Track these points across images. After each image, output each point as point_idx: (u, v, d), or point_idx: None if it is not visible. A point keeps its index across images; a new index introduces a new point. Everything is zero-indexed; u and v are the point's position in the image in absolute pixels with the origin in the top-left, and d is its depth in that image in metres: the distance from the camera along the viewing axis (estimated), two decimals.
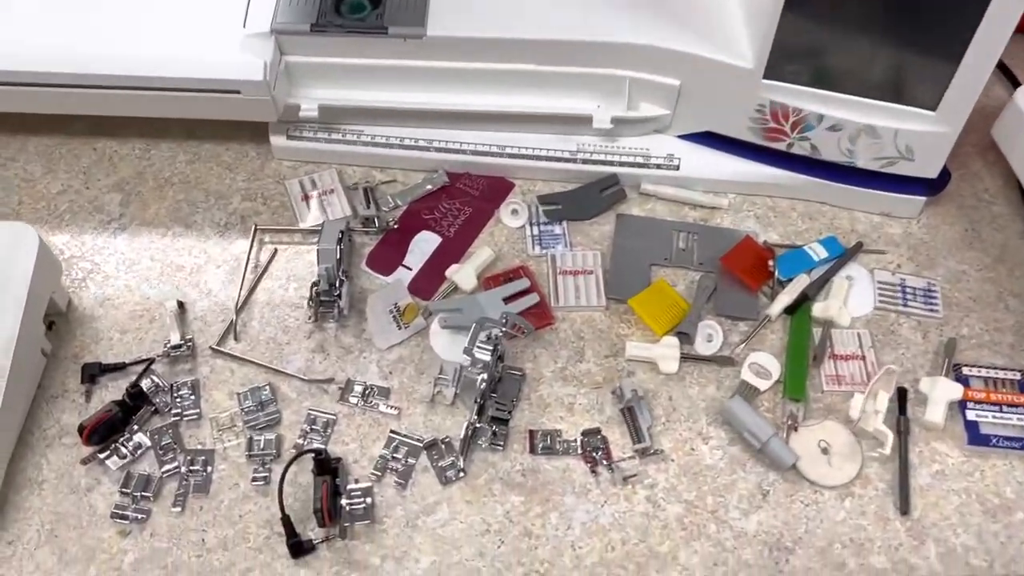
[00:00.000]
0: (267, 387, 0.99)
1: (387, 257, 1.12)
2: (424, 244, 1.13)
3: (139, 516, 0.91)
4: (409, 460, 0.97)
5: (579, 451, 0.98)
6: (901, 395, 1.01)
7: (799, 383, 1.02)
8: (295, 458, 0.94)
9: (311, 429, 0.99)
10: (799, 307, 1.07)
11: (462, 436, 0.97)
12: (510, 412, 1.00)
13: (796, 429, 0.99)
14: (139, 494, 0.92)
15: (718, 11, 1.09)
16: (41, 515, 0.93)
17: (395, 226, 1.14)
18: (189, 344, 1.01)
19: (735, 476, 0.97)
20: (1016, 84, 1.26)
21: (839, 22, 1.00)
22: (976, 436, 0.99)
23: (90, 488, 0.94)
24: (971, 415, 1.00)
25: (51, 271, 1.02)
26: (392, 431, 0.99)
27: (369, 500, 0.92)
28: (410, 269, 1.12)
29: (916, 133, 1.06)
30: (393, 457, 0.97)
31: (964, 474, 0.97)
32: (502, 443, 0.98)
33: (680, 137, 1.17)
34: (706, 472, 0.97)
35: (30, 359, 0.96)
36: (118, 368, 1.00)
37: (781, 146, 1.13)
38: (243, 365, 1.03)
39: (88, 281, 1.09)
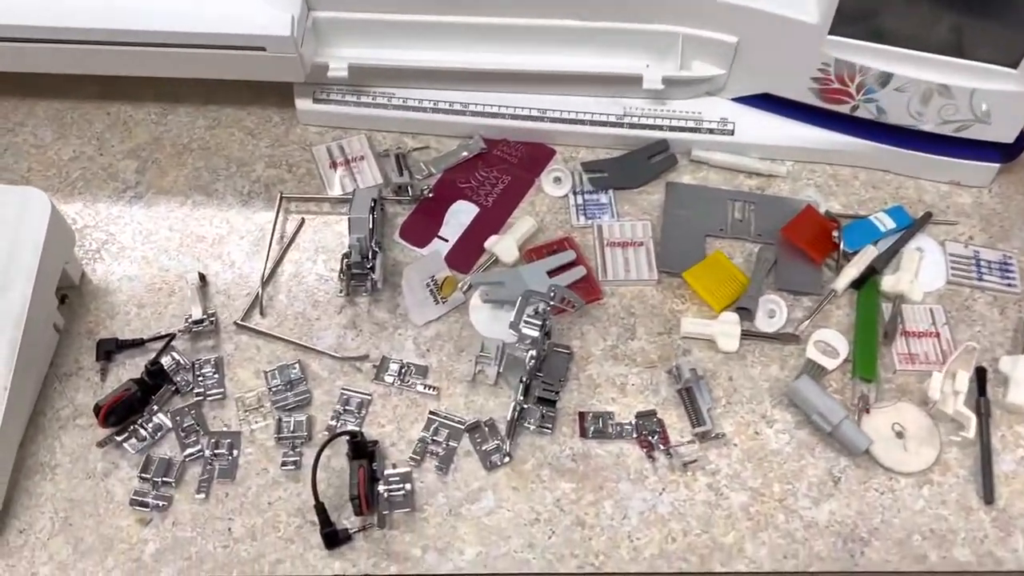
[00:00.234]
0: (296, 365, 0.94)
1: (422, 228, 1.05)
2: (460, 214, 1.07)
3: (160, 503, 0.87)
4: (450, 443, 0.90)
5: (634, 435, 0.91)
6: (980, 375, 0.94)
7: (870, 362, 0.95)
8: (329, 440, 0.88)
9: (344, 410, 0.92)
10: (866, 281, 1.00)
11: (508, 418, 0.90)
12: (558, 393, 0.93)
13: (868, 411, 0.92)
14: (160, 480, 0.88)
15: None
16: (55, 502, 0.87)
17: (430, 195, 1.07)
18: (212, 319, 0.96)
19: (803, 462, 0.90)
20: None
21: None
22: None
23: (107, 473, 0.89)
24: None
25: (64, 239, 0.96)
26: (431, 412, 0.92)
27: (408, 486, 0.86)
28: (446, 240, 1.05)
29: (994, 93, 0.98)
30: (433, 440, 0.91)
31: None
32: (550, 426, 0.91)
33: (734, 100, 1.10)
34: (772, 457, 0.90)
35: (42, 334, 0.92)
36: (136, 344, 0.95)
37: (844, 109, 1.05)
38: (270, 342, 0.97)
39: (103, 252, 1.03)
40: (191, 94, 1.14)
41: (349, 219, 0.98)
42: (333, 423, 0.91)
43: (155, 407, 0.91)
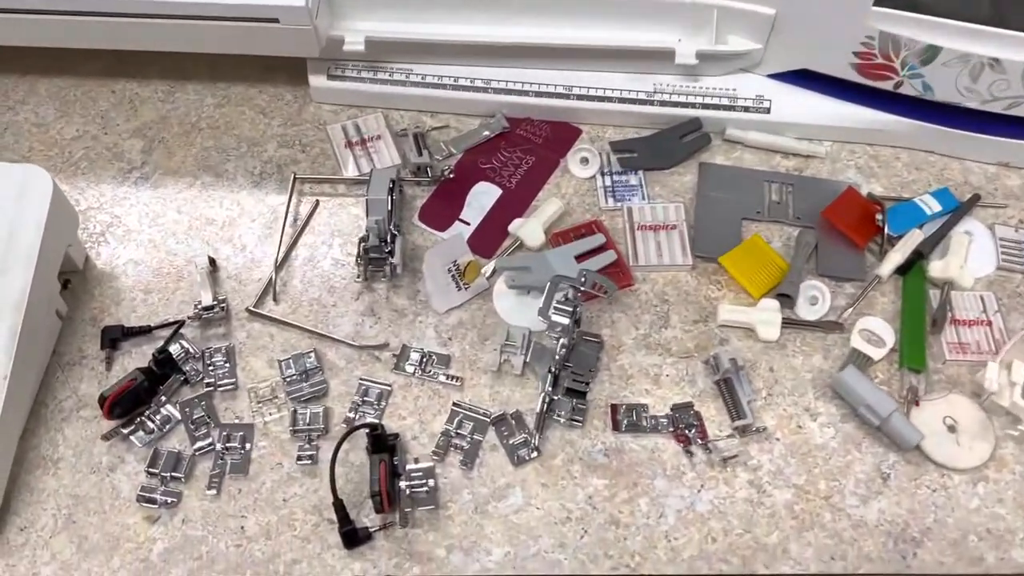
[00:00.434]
0: (312, 354, 0.90)
1: (442, 210, 1.01)
2: (483, 196, 1.02)
3: (169, 500, 0.83)
4: (475, 437, 0.86)
5: (669, 428, 0.86)
6: None
7: (919, 351, 0.89)
8: (348, 434, 0.83)
9: (363, 401, 0.88)
10: (912, 266, 0.95)
11: (537, 410, 0.85)
12: (588, 384, 0.88)
13: (917, 403, 0.87)
14: (168, 474, 0.84)
15: None
16: (57, 498, 0.83)
17: (450, 176, 1.02)
18: (222, 305, 0.92)
19: (850, 457, 0.85)
20: None
21: None
22: None
23: (112, 467, 0.85)
24: None
25: (67, 221, 0.92)
26: (455, 404, 0.88)
27: (432, 482, 0.81)
28: (467, 224, 1.00)
29: None
30: (457, 433, 0.86)
31: None
32: (581, 419, 0.86)
33: (771, 76, 1.05)
34: (816, 452, 0.85)
35: (43, 321, 0.88)
36: (143, 332, 0.92)
37: (887, 86, 1.00)
38: (284, 329, 0.92)
39: (107, 235, 0.99)
40: (199, 70, 1.10)
41: (366, 200, 0.94)
42: (351, 415, 0.87)
43: (163, 398, 0.87)
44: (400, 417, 0.87)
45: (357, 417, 0.87)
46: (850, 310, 0.93)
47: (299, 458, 0.84)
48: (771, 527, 0.82)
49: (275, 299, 0.94)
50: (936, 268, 0.94)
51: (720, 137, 1.04)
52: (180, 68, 1.10)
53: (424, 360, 0.90)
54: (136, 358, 0.90)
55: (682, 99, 1.04)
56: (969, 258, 0.95)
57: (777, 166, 1.03)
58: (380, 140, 1.05)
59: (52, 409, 0.88)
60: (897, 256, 0.94)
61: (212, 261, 0.95)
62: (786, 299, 0.92)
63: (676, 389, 0.89)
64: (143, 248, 0.97)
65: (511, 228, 0.98)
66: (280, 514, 0.82)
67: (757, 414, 0.87)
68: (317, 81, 1.06)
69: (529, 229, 0.97)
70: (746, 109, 1.03)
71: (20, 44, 1.03)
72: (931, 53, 0.94)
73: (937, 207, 0.98)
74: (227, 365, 0.89)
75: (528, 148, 1.04)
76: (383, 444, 0.83)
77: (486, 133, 1.05)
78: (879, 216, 0.97)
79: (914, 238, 0.96)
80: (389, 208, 0.94)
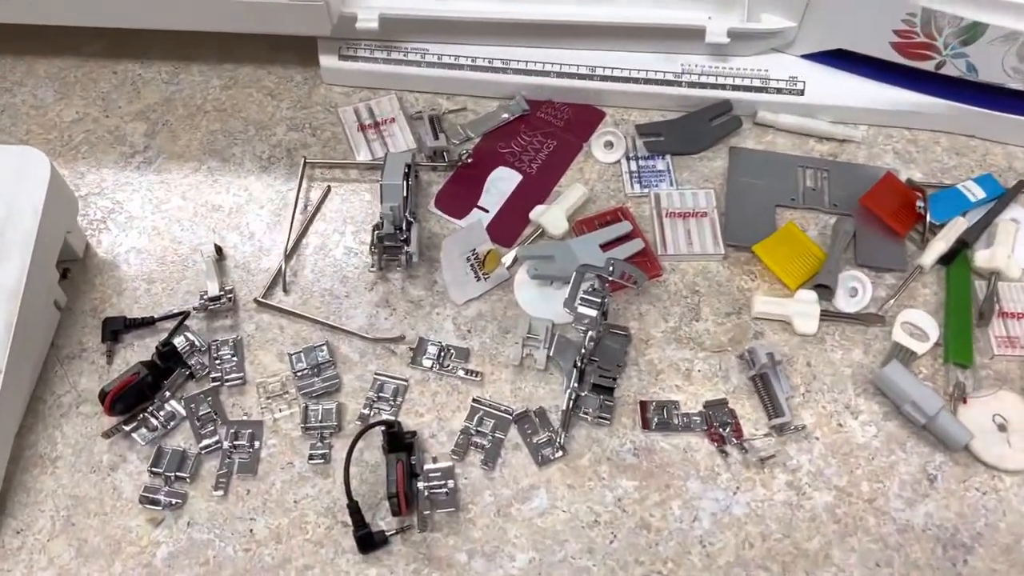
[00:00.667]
0: (324, 347, 0.86)
1: (459, 197, 0.96)
2: (501, 182, 0.97)
3: (173, 501, 0.79)
4: (497, 435, 0.81)
5: (703, 427, 0.82)
6: None
7: (965, 346, 0.85)
8: (363, 432, 0.79)
9: (378, 397, 0.84)
10: (956, 256, 0.91)
11: (563, 407, 0.80)
12: (615, 379, 0.83)
13: (965, 401, 0.82)
14: (173, 474, 0.80)
15: None
16: (56, 499, 0.79)
17: (468, 161, 0.97)
18: (229, 296, 0.89)
19: (894, 458, 0.80)
20: None
21: None
22: None
23: (114, 467, 0.81)
24: None
25: (66, 207, 0.88)
26: (475, 400, 0.83)
27: (451, 483, 0.77)
28: (486, 211, 0.95)
29: None
30: (477, 431, 0.82)
31: None
32: (608, 416, 0.81)
33: (805, 57, 1.00)
34: (858, 452, 0.80)
35: (41, 312, 0.85)
36: (145, 324, 0.88)
37: (928, 66, 0.95)
38: (294, 321, 0.88)
39: (109, 222, 0.95)
40: (205, 51, 1.07)
41: (381, 186, 0.90)
42: (366, 412, 0.83)
43: (167, 393, 0.84)
44: (417, 414, 0.83)
45: (372, 414, 0.83)
46: (891, 302, 0.88)
47: (311, 457, 0.80)
48: (812, 532, 0.77)
49: (285, 289, 0.90)
50: (982, 258, 0.90)
51: (751, 120, 1.00)
52: (185, 48, 1.07)
53: (442, 354, 0.85)
54: (139, 351, 0.86)
55: (711, 80, 1.00)
56: (1016, 247, 0.91)
57: (811, 151, 0.99)
58: (394, 123, 1.00)
59: (50, 405, 0.84)
60: (940, 245, 0.90)
61: (219, 249, 0.92)
62: (824, 290, 0.88)
63: (709, 385, 0.84)
64: (146, 236, 0.94)
65: (532, 215, 0.93)
66: (291, 516, 0.78)
67: (795, 412, 0.82)
68: (328, 61, 1.02)
69: (552, 216, 0.92)
70: (779, 91, 0.99)
71: (17, 22, 1.00)
72: (976, 31, 0.90)
73: (981, 194, 0.94)
74: (234, 359, 0.85)
75: (549, 132, 1.00)
76: (400, 443, 0.79)
77: (505, 116, 1.01)
78: (920, 203, 0.93)
79: (958, 226, 0.91)
80: (404, 194, 0.90)
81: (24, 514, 0.78)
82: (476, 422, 0.82)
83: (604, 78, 1.00)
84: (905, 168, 0.98)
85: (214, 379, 0.84)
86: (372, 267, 0.90)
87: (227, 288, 0.88)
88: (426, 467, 0.78)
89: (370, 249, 0.89)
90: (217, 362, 0.85)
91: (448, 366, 0.85)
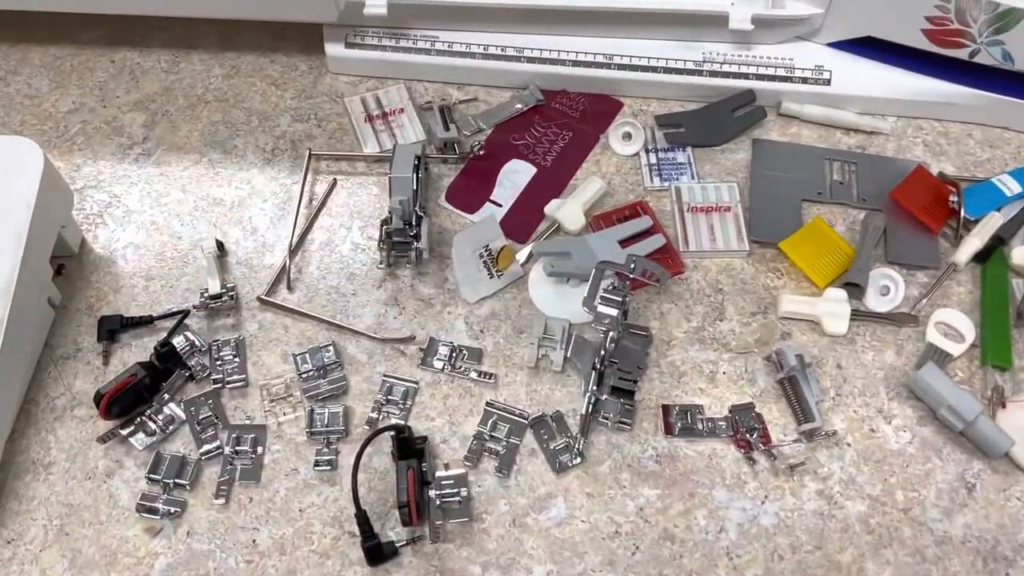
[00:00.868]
0: (330, 347, 0.83)
1: (471, 190, 0.93)
2: (515, 175, 0.94)
3: (172, 510, 0.77)
4: (511, 440, 0.78)
5: (728, 432, 0.78)
6: None
7: (1003, 347, 0.82)
8: (372, 437, 0.76)
9: (387, 400, 0.81)
10: (992, 253, 0.87)
11: (583, 412, 0.77)
12: (636, 382, 0.80)
13: (1004, 405, 0.79)
14: (172, 481, 0.78)
15: None
16: (48, 507, 0.77)
17: (480, 153, 0.94)
18: (231, 294, 0.86)
19: (930, 465, 0.77)
20: None
21: None
22: None
23: (110, 473, 0.78)
24: None
25: (60, 200, 0.86)
26: (488, 403, 0.80)
27: (464, 491, 0.74)
28: (499, 205, 0.92)
29: None
30: (491, 436, 0.78)
31: None
32: (629, 421, 0.78)
33: (831, 45, 0.97)
34: (892, 459, 0.77)
35: (34, 310, 0.82)
36: (144, 323, 0.86)
37: (961, 54, 0.92)
38: (299, 320, 0.85)
39: (105, 216, 0.92)
40: (206, 39, 1.05)
41: (389, 179, 0.87)
42: (374, 416, 0.80)
43: (166, 396, 0.81)
44: (428, 418, 0.79)
45: (381, 418, 0.80)
46: (924, 301, 0.85)
47: (317, 464, 0.77)
48: (844, 543, 0.73)
49: (289, 287, 0.87)
50: (1019, 255, 0.87)
51: (775, 111, 0.98)
52: (185, 36, 1.05)
53: (454, 355, 0.82)
54: (136, 351, 0.84)
55: (734, 69, 0.96)
56: None
57: (838, 143, 0.95)
58: (403, 114, 0.97)
59: (43, 408, 0.81)
60: (975, 241, 0.86)
61: (220, 245, 0.89)
62: (854, 289, 0.84)
63: (734, 388, 0.80)
64: (144, 231, 0.91)
65: (548, 210, 0.90)
66: (296, 526, 0.75)
67: (825, 416, 0.79)
68: (334, 50, 1.00)
69: (568, 211, 0.89)
70: (804, 80, 0.96)
71: (12, 8, 0.98)
72: (1012, 17, 0.87)
73: (1017, 188, 0.90)
74: (236, 360, 0.83)
75: (564, 123, 0.97)
76: (410, 448, 0.75)
77: (519, 106, 0.98)
78: (953, 198, 0.89)
79: (993, 222, 0.87)
80: (414, 187, 0.86)
81: (15, 523, 0.75)
82: (490, 427, 0.78)
83: (622, 67, 0.97)
84: (936, 161, 0.94)
85: (215, 381, 0.82)
86: (380, 264, 0.87)
87: (229, 285, 0.85)
88: (438, 474, 0.74)
89: (378, 245, 0.86)
90: (218, 363, 0.82)
91: (460, 368, 0.81)
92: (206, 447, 0.78)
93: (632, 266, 0.80)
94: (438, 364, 0.82)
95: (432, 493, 0.73)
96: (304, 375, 0.81)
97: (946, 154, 0.95)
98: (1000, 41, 0.88)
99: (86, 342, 0.84)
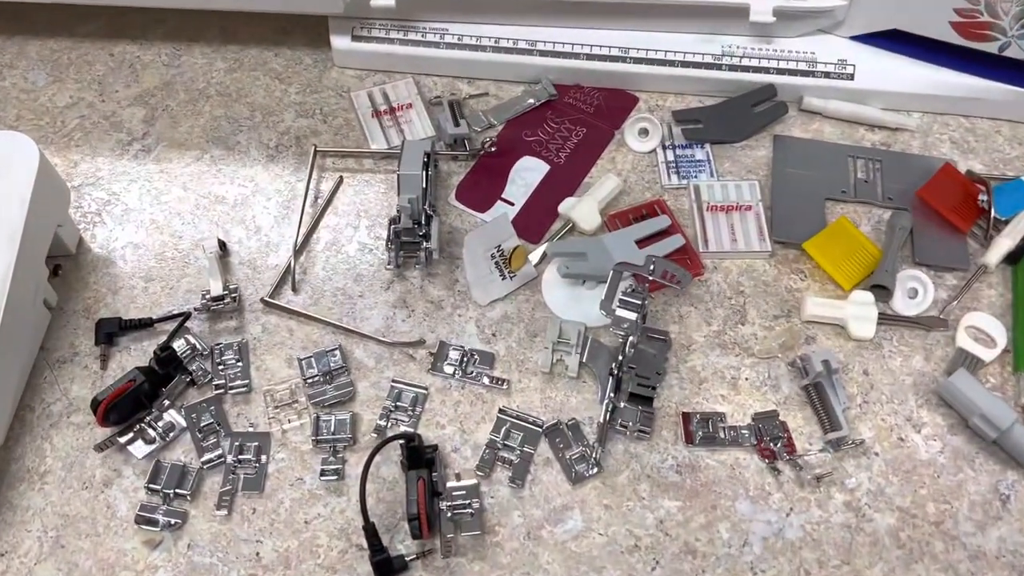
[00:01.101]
0: (336, 351, 0.81)
1: (482, 189, 0.91)
2: (527, 173, 0.92)
3: (172, 521, 0.75)
4: (525, 449, 0.75)
5: (751, 441, 0.75)
6: None
7: None
8: (380, 446, 0.73)
9: (396, 407, 0.79)
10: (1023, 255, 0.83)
11: (599, 420, 0.74)
12: (655, 388, 0.77)
13: None
14: (172, 491, 0.76)
15: None
16: (43, 518, 0.74)
17: (491, 149, 0.91)
18: (234, 295, 0.84)
19: (962, 476, 0.74)
20: None
21: None
22: None
23: (108, 482, 0.76)
24: None
25: (57, 197, 0.84)
26: (501, 410, 0.78)
27: (476, 503, 0.72)
28: (511, 204, 0.90)
29: None
30: (504, 445, 0.76)
31: None
32: (648, 429, 0.75)
33: (855, 38, 0.95)
34: (922, 470, 0.74)
35: (29, 312, 0.80)
36: (143, 325, 0.83)
37: (990, 48, 0.89)
38: (304, 323, 0.83)
39: (104, 215, 0.90)
40: (208, 31, 1.03)
41: (398, 176, 0.85)
42: (382, 423, 0.78)
43: (166, 402, 0.80)
44: (438, 425, 0.77)
45: (389, 425, 0.77)
46: (953, 304, 0.82)
47: (323, 473, 0.75)
48: (873, 558, 0.71)
49: (294, 288, 0.85)
50: None
51: (796, 107, 0.95)
52: (186, 29, 1.03)
53: (465, 359, 0.80)
54: (135, 355, 0.82)
55: (754, 63, 0.94)
56: None
57: (861, 140, 0.93)
58: (411, 109, 0.94)
59: (39, 414, 0.79)
60: (1006, 242, 0.84)
61: (222, 245, 0.87)
62: (881, 291, 0.81)
63: (757, 395, 0.78)
64: (144, 230, 0.89)
65: (561, 208, 0.87)
66: (301, 539, 0.73)
67: (852, 425, 0.76)
68: (340, 43, 0.97)
69: (583, 210, 0.86)
70: (827, 75, 0.93)
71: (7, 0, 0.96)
72: None
73: None
74: (239, 364, 0.81)
75: (578, 118, 0.95)
76: (420, 458, 0.73)
77: (531, 101, 0.96)
78: (982, 197, 0.87)
79: None
80: (424, 185, 0.84)
81: (9, 534, 0.73)
82: (503, 435, 0.76)
83: (638, 60, 0.94)
84: (963, 159, 0.91)
85: (217, 386, 0.80)
86: (388, 264, 0.84)
87: (231, 287, 0.83)
88: (449, 485, 0.71)
89: (386, 245, 0.84)
90: (220, 368, 0.80)
91: (471, 373, 0.79)
92: (208, 455, 0.76)
93: (651, 267, 0.77)
94: (449, 369, 0.79)
95: (443, 505, 0.70)
96: (309, 380, 0.79)
97: (974, 151, 0.92)
98: None
99: (83, 346, 0.82)
